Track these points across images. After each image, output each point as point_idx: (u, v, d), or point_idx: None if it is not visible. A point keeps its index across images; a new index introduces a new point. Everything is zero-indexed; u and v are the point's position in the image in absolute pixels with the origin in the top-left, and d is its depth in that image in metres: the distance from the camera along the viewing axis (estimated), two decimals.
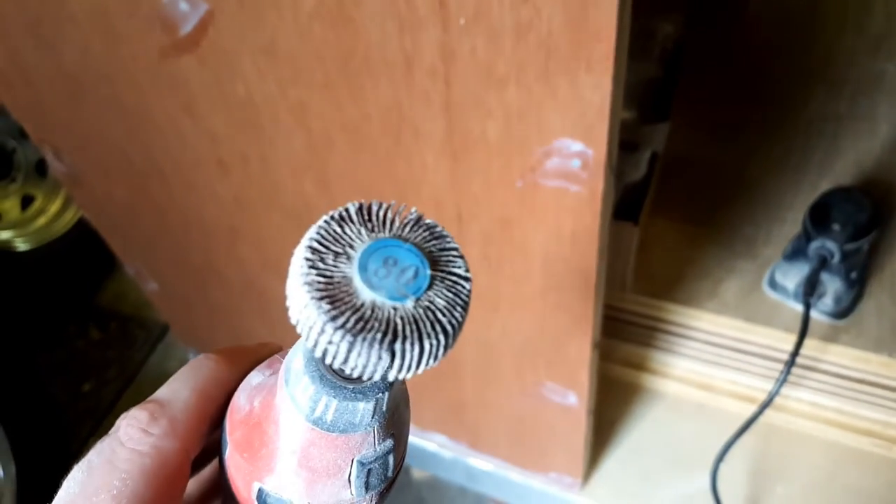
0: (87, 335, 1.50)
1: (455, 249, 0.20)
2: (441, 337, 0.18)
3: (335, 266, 0.19)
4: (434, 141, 0.50)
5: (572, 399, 0.72)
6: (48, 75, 0.62)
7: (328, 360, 0.18)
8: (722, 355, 0.88)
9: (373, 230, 0.20)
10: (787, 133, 1.01)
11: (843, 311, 0.84)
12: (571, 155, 0.48)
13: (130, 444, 0.26)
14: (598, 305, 0.61)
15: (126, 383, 1.42)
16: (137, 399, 0.27)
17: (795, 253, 0.84)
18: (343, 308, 0.18)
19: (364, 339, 0.18)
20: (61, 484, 0.26)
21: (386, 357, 0.18)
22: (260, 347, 0.30)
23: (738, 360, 0.88)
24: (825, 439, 0.88)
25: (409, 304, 0.18)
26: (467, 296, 0.19)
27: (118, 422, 0.27)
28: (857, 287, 0.85)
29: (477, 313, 0.67)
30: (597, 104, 0.43)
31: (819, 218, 0.80)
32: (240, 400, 0.25)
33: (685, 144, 0.99)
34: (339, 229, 0.20)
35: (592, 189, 0.50)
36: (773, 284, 0.86)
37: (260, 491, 0.24)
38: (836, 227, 0.79)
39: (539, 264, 0.58)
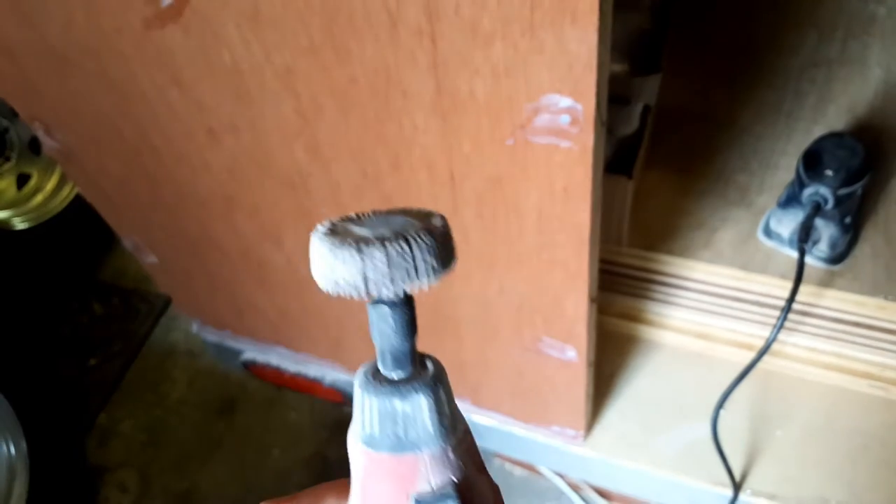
0: (89, 311, 1.51)
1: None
2: (426, 238, 0.20)
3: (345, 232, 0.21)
4: (423, 101, 0.50)
5: (571, 353, 0.73)
6: (33, 51, 0.61)
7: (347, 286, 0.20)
8: (719, 304, 0.89)
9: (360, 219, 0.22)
10: (778, 80, 1.01)
11: (838, 256, 0.85)
12: (560, 110, 0.48)
13: None
14: (593, 260, 0.62)
15: (131, 356, 1.43)
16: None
17: (789, 200, 0.84)
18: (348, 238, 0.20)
19: (372, 244, 0.20)
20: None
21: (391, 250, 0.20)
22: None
23: (734, 308, 0.89)
24: (823, 383, 0.90)
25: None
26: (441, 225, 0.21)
27: None
28: (852, 232, 0.85)
29: (474, 272, 0.67)
30: (583, 57, 0.43)
31: (812, 164, 0.80)
32: None
33: (677, 95, 0.98)
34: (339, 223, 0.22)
35: (583, 144, 0.50)
36: (768, 232, 0.87)
37: None
38: (829, 172, 0.79)
39: (533, 222, 0.59)
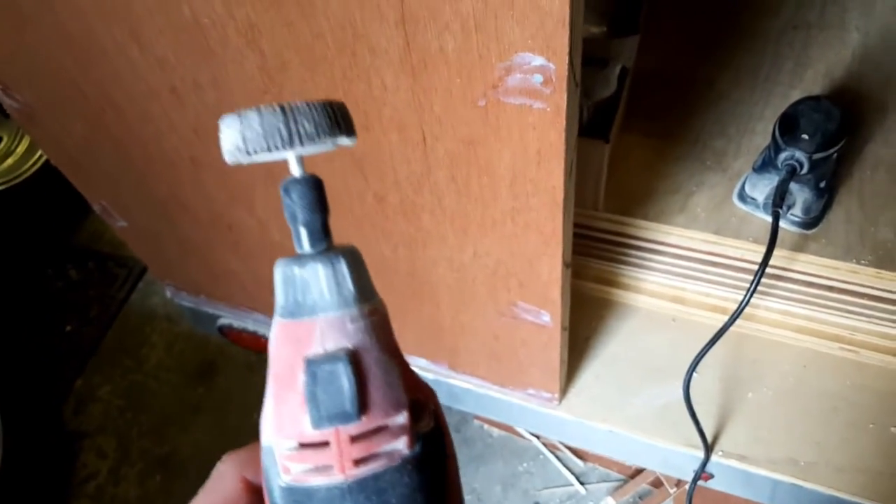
0: (65, 276, 1.50)
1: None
2: (301, 106, 0.23)
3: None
4: (391, 59, 0.48)
5: (546, 317, 0.73)
6: None
7: (241, 142, 0.22)
8: (693, 268, 0.89)
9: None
10: (757, 43, 1.00)
11: (812, 221, 0.85)
12: (533, 70, 0.47)
13: None
14: (567, 224, 0.61)
15: (109, 321, 1.42)
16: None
17: (765, 164, 0.84)
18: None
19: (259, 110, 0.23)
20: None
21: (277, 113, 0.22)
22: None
23: (709, 272, 0.89)
24: (794, 346, 0.91)
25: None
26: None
27: None
28: (826, 196, 0.85)
29: (448, 235, 0.66)
30: (555, 13, 0.42)
31: (788, 128, 0.80)
32: None
33: (655, 58, 0.97)
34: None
35: (556, 105, 0.49)
36: (743, 197, 0.87)
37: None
38: (805, 136, 0.79)
39: (506, 185, 0.58)
